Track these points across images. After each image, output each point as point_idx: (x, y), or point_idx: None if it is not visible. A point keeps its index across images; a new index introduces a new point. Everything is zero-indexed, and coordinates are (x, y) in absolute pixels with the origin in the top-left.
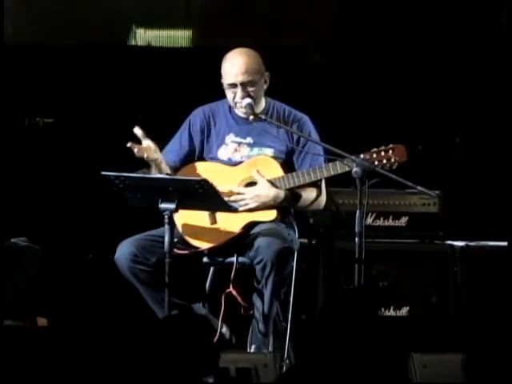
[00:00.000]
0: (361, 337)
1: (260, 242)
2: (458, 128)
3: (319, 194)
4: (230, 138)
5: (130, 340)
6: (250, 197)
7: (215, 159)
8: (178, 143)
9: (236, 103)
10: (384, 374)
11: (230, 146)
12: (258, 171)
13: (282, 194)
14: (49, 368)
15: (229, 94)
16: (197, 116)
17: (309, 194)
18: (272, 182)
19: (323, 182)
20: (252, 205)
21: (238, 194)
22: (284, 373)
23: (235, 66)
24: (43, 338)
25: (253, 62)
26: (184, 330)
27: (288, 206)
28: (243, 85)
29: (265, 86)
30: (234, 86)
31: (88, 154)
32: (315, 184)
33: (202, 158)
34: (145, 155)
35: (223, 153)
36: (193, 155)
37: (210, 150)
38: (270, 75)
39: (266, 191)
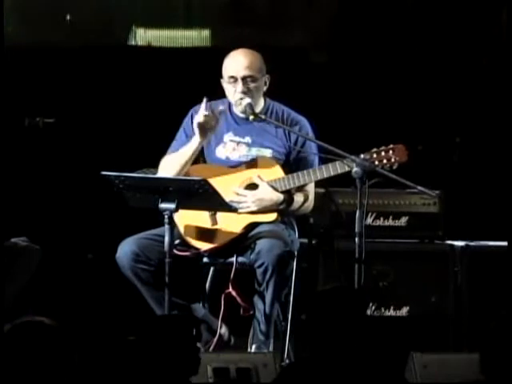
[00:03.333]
0: (348, 335)
1: (261, 245)
2: (458, 128)
3: (307, 198)
4: (229, 136)
5: (126, 340)
6: (253, 200)
7: (213, 157)
8: (185, 137)
9: (236, 100)
10: (378, 373)
11: (228, 145)
12: (259, 176)
13: (282, 197)
14: (47, 367)
15: (229, 89)
16: (198, 110)
17: (298, 198)
18: (271, 184)
19: (312, 185)
20: (253, 208)
21: (241, 195)
22: (280, 372)
23: (237, 61)
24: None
25: (255, 60)
26: (168, 330)
27: (284, 209)
28: (244, 79)
29: (264, 88)
30: (234, 80)
31: (88, 154)
32: (303, 188)
33: (201, 155)
34: (207, 123)
35: (221, 151)
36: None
37: (209, 147)
38: (270, 78)
39: (269, 195)
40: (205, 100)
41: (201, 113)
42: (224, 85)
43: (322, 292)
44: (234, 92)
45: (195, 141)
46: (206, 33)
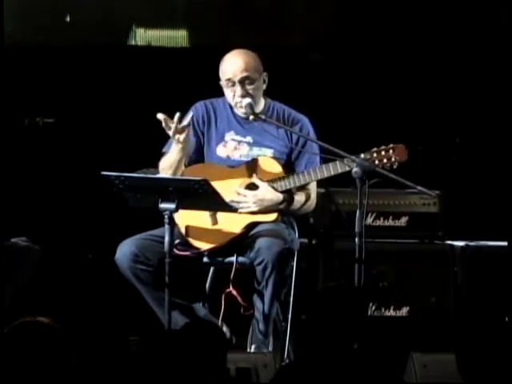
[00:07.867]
0: (348, 334)
1: (261, 242)
2: (457, 128)
3: (309, 197)
4: (230, 135)
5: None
6: (254, 200)
7: (214, 156)
8: None
9: (236, 102)
10: (377, 374)
11: (229, 144)
12: (259, 177)
13: (282, 197)
14: (48, 368)
15: (228, 92)
16: (198, 107)
17: (300, 197)
18: (272, 183)
19: (314, 184)
20: (254, 208)
21: (241, 195)
22: (277, 372)
23: (233, 63)
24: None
25: (251, 61)
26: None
27: (285, 209)
28: (242, 82)
29: (264, 86)
30: (232, 83)
31: (88, 154)
32: (304, 187)
33: (202, 152)
34: (183, 134)
35: (222, 150)
36: (198, 145)
37: (209, 146)
38: (268, 75)
39: (269, 196)
40: (178, 115)
41: (175, 126)
42: (223, 88)
43: (326, 289)
44: (233, 95)
45: (178, 147)
46: (205, 33)
